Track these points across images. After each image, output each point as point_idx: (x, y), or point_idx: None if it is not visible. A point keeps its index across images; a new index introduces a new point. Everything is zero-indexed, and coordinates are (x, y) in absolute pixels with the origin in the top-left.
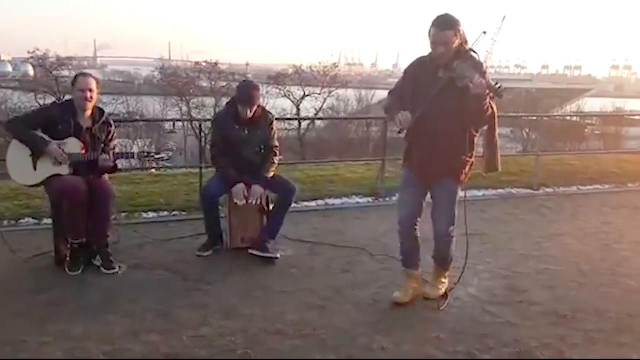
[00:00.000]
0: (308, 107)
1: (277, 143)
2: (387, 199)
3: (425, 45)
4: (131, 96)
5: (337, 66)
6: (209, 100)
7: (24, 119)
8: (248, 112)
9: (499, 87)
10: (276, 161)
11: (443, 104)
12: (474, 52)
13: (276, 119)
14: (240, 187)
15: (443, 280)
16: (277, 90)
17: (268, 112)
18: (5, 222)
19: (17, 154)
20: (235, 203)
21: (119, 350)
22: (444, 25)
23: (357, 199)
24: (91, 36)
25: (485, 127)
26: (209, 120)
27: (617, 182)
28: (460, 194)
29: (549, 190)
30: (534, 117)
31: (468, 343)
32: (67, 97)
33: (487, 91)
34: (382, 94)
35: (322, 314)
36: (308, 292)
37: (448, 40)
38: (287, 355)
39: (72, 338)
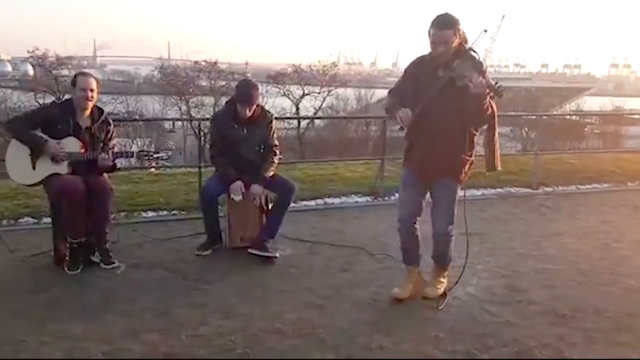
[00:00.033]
0: (307, 107)
1: (276, 142)
2: (386, 198)
3: (425, 44)
4: (131, 96)
5: (336, 65)
6: (209, 100)
7: (24, 119)
8: (247, 111)
9: (499, 87)
10: (276, 160)
11: (443, 103)
12: (474, 51)
13: (276, 118)
14: (238, 183)
15: (442, 280)
16: (277, 90)
17: (267, 111)
18: (4, 222)
19: (16, 154)
20: (232, 199)
21: (118, 350)
22: (444, 24)
23: (357, 199)
24: (91, 36)
25: (485, 127)
26: (208, 119)
27: (617, 181)
28: (460, 193)
29: (548, 189)
30: (534, 116)
31: (467, 342)
32: (67, 96)
33: (487, 91)
34: (381, 93)
35: (322, 314)
36: (307, 291)
37: (448, 40)
38: (286, 355)
39: (71, 338)
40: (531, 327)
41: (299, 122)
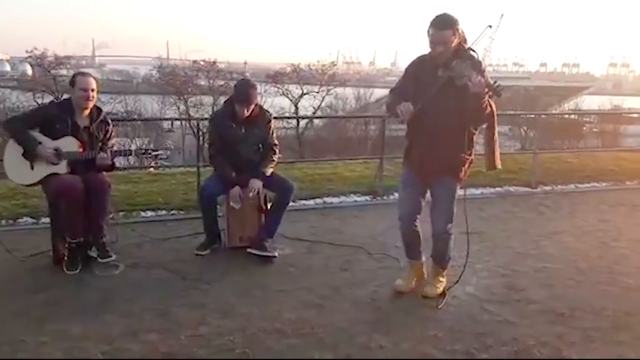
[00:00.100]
0: (306, 106)
1: (276, 141)
2: (385, 197)
3: (424, 43)
4: (129, 95)
5: (335, 65)
6: (207, 99)
7: (22, 119)
8: (245, 111)
9: (498, 86)
10: (275, 159)
11: (442, 102)
12: (473, 51)
13: (275, 117)
14: (236, 190)
15: (441, 279)
16: (276, 89)
17: (266, 110)
18: (3, 222)
19: (15, 154)
20: (232, 207)
21: (118, 350)
22: (443, 25)
23: (356, 198)
24: (90, 36)
25: (484, 126)
26: (207, 119)
27: (615, 180)
28: (460, 192)
29: (547, 188)
30: (532, 115)
31: (466, 342)
32: (65, 96)
33: (486, 90)
34: (380, 92)
35: (321, 313)
36: (306, 291)
37: (447, 40)
38: (285, 355)
39: (70, 338)
40: (530, 326)
41: (297, 122)
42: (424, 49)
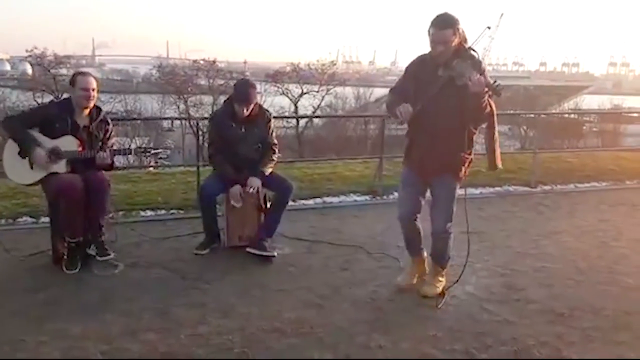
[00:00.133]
0: (306, 105)
1: (275, 141)
2: (385, 197)
3: (424, 42)
4: (129, 95)
5: (335, 64)
6: (207, 99)
7: (21, 117)
8: (245, 110)
9: (498, 86)
10: (275, 158)
11: (443, 102)
12: (474, 50)
13: (274, 117)
14: (237, 188)
15: (440, 278)
16: (276, 89)
17: (265, 110)
18: (2, 221)
19: (14, 153)
20: (233, 206)
21: (117, 349)
22: (443, 24)
23: (355, 197)
24: (90, 35)
25: (484, 125)
26: (206, 118)
27: (615, 180)
28: (459, 191)
29: (546, 188)
30: (532, 115)
31: (465, 341)
32: (65, 95)
33: (486, 89)
34: (380, 91)
35: (320, 313)
36: (306, 290)
37: (447, 40)
38: (284, 354)
39: (69, 337)
40: (529, 325)
41: (297, 121)
42: (424, 48)
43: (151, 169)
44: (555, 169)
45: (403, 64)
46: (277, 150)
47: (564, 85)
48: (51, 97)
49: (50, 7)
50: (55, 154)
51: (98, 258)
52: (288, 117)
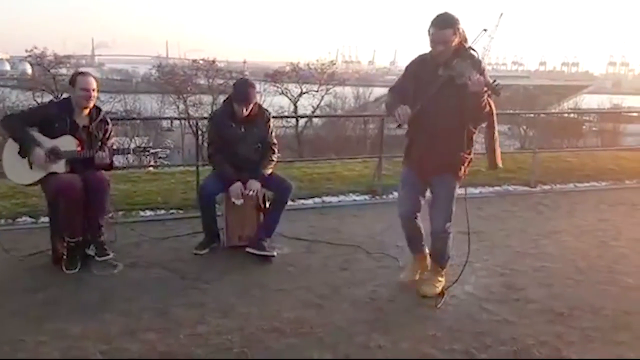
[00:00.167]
0: (306, 105)
1: (275, 140)
2: (384, 196)
3: (423, 42)
4: (129, 94)
5: (334, 64)
6: (207, 98)
7: (20, 116)
8: (244, 110)
9: (497, 85)
10: (274, 158)
11: (442, 101)
12: (474, 50)
13: (274, 116)
14: (237, 186)
15: (440, 278)
16: (275, 88)
17: (265, 109)
18: (2, 221)
19: (13, 153)
20: (233, 202)
21: (116, 349)
22: (443, 24)
23: (354, 197)
24: (89, 35)
25: (484, 125)
26: (206, 118)
27: (615, 180)
28: (459, 191)
29: (546, 187)
30: (532, 114)
31: (465, 341)
32: (65, 95)
33: (485, 89)
34: (379, 91)
35: (320, 312)
36: (305, 290)
37: (447, 39)
38: (284, 354)
39: (69, 337)
40: (529, 325)
41: (297, 121)
42: (424, 48)
43: (151, 168)
44: (554, 169)
45: (402, 63)
46: (276, 150)
47: (563, 84)
48: (51, 97)
49: (50, 7)
50: (54, 154)
51: (97, 258)
52: (287, 117)
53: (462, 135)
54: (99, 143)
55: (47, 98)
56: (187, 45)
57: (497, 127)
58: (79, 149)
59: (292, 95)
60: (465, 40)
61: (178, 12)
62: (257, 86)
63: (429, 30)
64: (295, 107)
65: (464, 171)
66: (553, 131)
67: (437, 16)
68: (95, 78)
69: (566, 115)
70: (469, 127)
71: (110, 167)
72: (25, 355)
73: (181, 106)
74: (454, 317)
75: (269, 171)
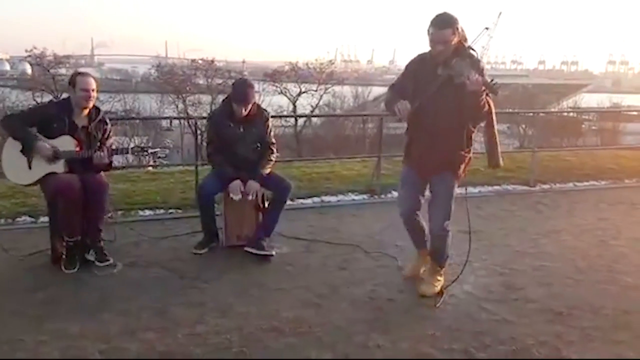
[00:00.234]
0: (304, 104)
1: (273, 140)
2: (383, 196)
3: (422, 41)
4: (128, 94)
5: (333, 63)
6: (206, 98)
7: (20, 116)
8: (243, 110)
9: (495, 84)
10: (273, 158)
11: (442, 101)
12: (473, 49)
13: (272, 116)
14: (237, 182)
15: (439, 277)
16: (274, 88)
17: (264, 109)
18: (2, 221)
19: (13, 153)
20: (232, 198)
21: (115, 349)
22: (443, 24)
23: (353, 197)
24: (89, 35)
25: (483, 124)
26: (205, 118)
27: (614, 179)
28: (458, 190)
29: (545, 186)
30: (531, 113)
31: (464, 341)
32: (64, 95)
33: (483, 88)
34: (378, 90)
35: (318, 312)
36: (304, 289)
37: (446, 39)
38: (282, 354)
39: (68, 337)
40: (528, 325)
41: (296, 120)
42: (423, 47)
43: (150, 168)
44: (554, 168)
45: (401, 62)
46: (275, 150)
47: (562, 83)
48: (50, 97)
49: (50, 7)
50: (54, 153)
51: (98, 264)
52: (286, 117)
53: (461, 134)
54: (98, 143)
55: (47, 98)
56: (186, 45)
57: (496, 126)
58: (77, 149)
59: (291, 95)
60: (465, 39)
61: (177, 12)
62: (256, 86)
63: (428, 30)
64: (294, 106)
65: (464, 170)
66: (552, 130)
67: (437, 16)
68: (94, 78)
69: (565, 114)
70: (468, 126)
71: (109, 167)
72: (25, 355)
73: (180, 106)
74: (453, 316)
75: (267, 171)
